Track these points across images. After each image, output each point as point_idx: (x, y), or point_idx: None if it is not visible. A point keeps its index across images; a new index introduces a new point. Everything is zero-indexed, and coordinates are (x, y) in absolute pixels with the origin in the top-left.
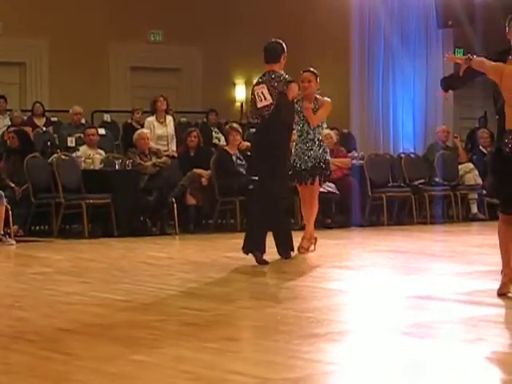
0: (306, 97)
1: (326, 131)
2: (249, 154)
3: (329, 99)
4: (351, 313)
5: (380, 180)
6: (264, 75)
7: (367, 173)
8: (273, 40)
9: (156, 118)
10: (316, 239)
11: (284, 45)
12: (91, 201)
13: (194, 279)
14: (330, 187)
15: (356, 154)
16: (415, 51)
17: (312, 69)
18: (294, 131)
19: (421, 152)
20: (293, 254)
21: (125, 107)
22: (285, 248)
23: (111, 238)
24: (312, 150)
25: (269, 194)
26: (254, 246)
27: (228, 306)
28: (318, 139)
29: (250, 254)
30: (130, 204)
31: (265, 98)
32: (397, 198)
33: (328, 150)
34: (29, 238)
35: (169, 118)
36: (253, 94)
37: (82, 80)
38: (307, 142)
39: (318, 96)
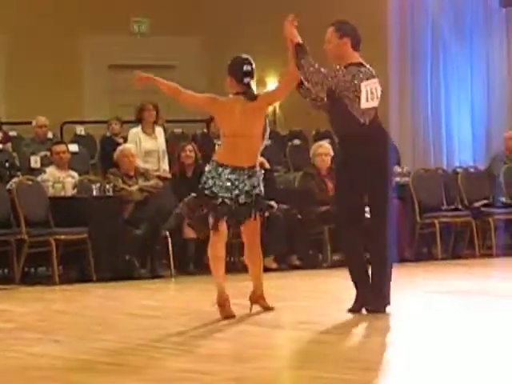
0: None
1: None
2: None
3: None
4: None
5: (431, 202)
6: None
7: (414, 193)
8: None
9: (142, 128)
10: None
11: None
12: (62, 237)
13: (196, 334)
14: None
15: (399, 170)
16: (472, 37)
17: None
18: None
19: (482, 165)
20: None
21: (102, 117)
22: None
23: (88, 283)
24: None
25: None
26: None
27: (240, 368)
28: None
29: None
30: (112, 240)
31: (377, 98)
32: (453, 224)
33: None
34: None
35: (158, 129)
36: (359, 88)
37: (47, 84)
38: None
39: None
